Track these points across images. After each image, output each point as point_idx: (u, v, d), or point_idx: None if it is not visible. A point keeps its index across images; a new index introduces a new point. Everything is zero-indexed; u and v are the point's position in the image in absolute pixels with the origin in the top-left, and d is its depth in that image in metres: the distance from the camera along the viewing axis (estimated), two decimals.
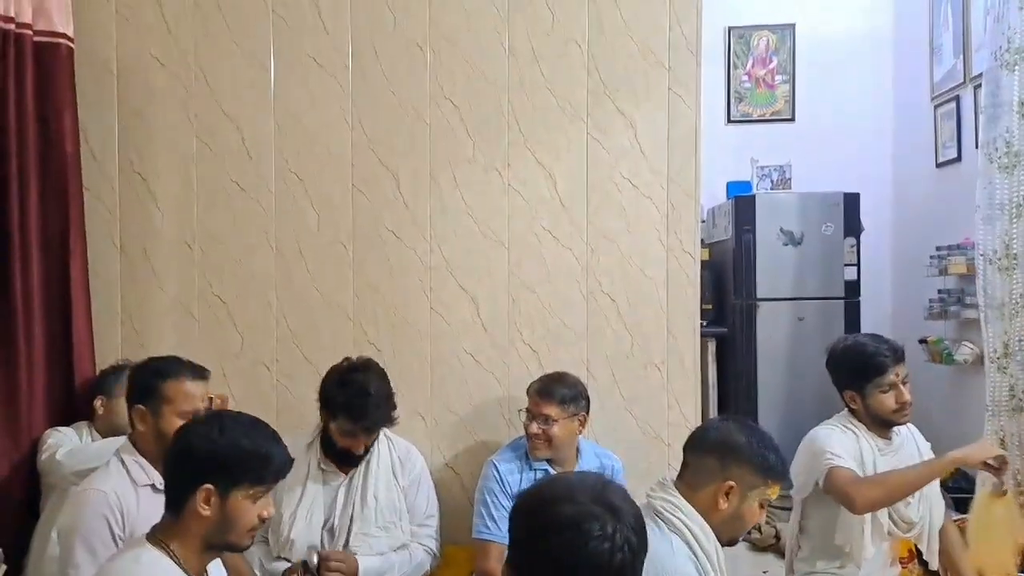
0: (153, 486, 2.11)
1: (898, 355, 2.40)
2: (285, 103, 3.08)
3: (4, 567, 1.89)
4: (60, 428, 2.74)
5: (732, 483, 1.72)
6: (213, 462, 1.62)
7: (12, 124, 2.73)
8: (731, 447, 1.76)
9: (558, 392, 2.71)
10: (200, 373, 2.26)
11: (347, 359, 2.67)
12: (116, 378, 2.73)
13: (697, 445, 1.83)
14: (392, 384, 2.98)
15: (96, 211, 3.01)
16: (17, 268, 2.74)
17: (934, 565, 2.57)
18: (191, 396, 2.19)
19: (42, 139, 2.83)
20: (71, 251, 2.85)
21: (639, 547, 1.20)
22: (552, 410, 2.68)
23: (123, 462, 2.14)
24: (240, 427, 1.67)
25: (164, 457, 2.05)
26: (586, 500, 1.20)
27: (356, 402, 2.51)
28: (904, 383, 2.39)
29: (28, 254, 2.78)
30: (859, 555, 2.36)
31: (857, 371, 2.41)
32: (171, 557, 1.63)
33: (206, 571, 1.73)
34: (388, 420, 2.61)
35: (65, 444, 2.64)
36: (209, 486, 1.62)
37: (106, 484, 2.07)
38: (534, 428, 2.69)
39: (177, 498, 1.65)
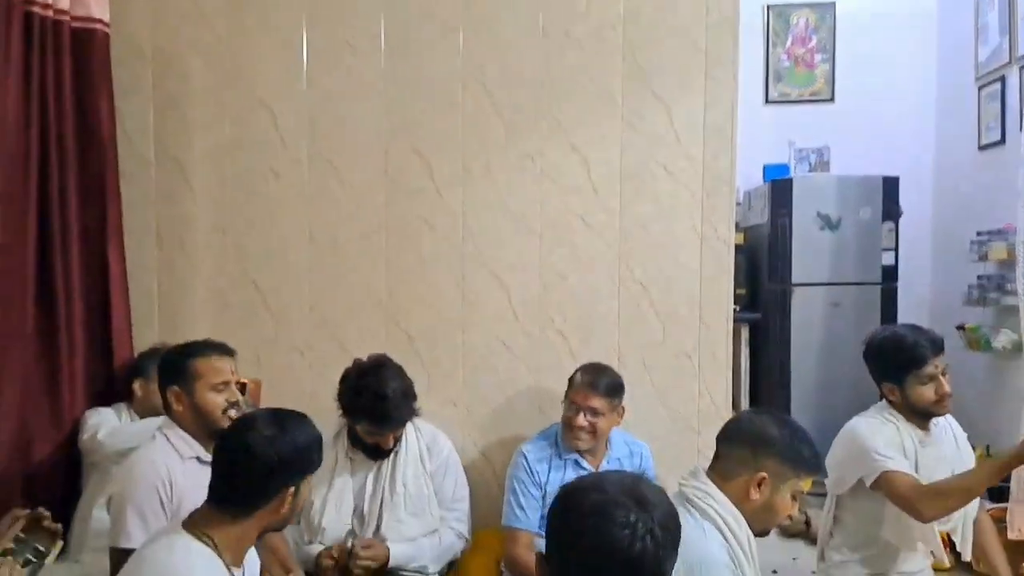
0: (198, 458, 2.17)
1: (937, 346, 2.37)
2: (318, 89, 3.08)
3: (61, 543, 1.96)
4: (100, 408, 2.80)
5: (764, 475, 1.73)
6: (294, 464, 1.72)
7: (51, 110, 2.77)
8: (764, 439, 1.76)
9: (605, 384, 2.69)
10: (225, 349, 2.32)
11: (357, 360, 2.67)
12: (154, 361, 2.75)
13: (731, 436, 1.84)
14: (424, 372, 3.02)
15: (133, 197, 3.04)
16: (57, 254, 2.79)
17: (967, 556, 2.54)
18: (220, 370, 2.25)
19: (80, 125, 2.87)
20: (109, 237, 2.90)
21: (665, 541, 1.21)
22: (600, 403, 2.67)
23: (167, 437, 2.21)
24: (300, 425, 1.77)
25: (207, 433, 2.12)
26: (614, 491, 1.22)
27: (375, 407, 2.53)
28: (944, 374, 2.36)
29: (68, 240, 2.82)
30: (932, 546, 2.35)
31: (896, 363, 2.38)
32: (207, 545, 1.66)
33: (243, 559, 1.76)
34: (410, 415, 2.62)
35: (106, 424, 2.70)
36: (292, 487, 1.73)
37: (155, 456, 2.14)
38: (581, 420, 2.67)
39: (252, 501, 1.70)
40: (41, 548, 1.88)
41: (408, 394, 2.59)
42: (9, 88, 2.59)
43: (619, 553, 1.16)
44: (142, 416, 2.77)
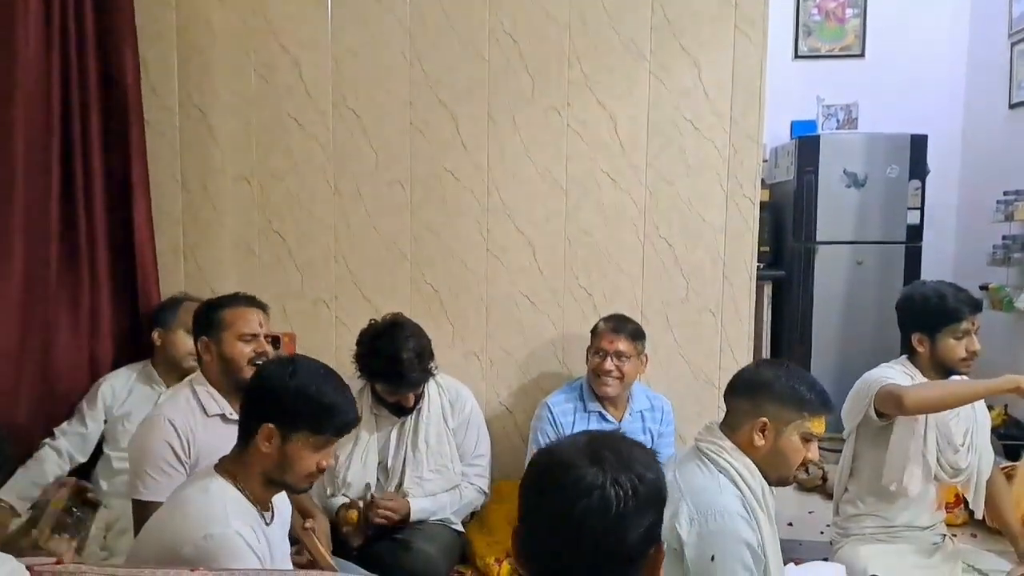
0: (223, 416, 2.20)
1: (976, 305, 2.40)
2: (342, 39, 3.04)
3: (101, 510, 2.03)
4: (110, 376, 2.78)
5: (765, 419, 1.76)
6: (278, 403, 1.68)
7: (73, 58, 2.75)
8: (760, 384, 1.80)
9: (629, 328, 2.75)
10: (255, 302, 2.34)
11: (372, 321, 2.68)
12: (172, 311, 2.80)
13: (733, 388, 1.88)
14: (448, 323, 3.05)
15: (158, 146, 3.04)
16: (81, 206, 2.79)
17: (980, 514, 2.58)
18: (248, 320, 2.26)
19: (103, 74, 2.85)
20: (134, 188, 2.89)
21: (628, 494, 1.08)
22: (626, 345, 2.71)
23: (195, 392, 2.23)
24: (311, 375, 1.71)
25: (233, 386, 2.16)
26: (566, 450, 1.15)
27: (390, 370, 2.55)
28: (976, 333, 2.38)
29: (91, 191, 2.83)
30: (904, 489, 2.36)
31: (933, 315, 2.39)
32: (237, 487, 1.71)
33: (271, 502, 1.80)
34: (426, 376, 2.64)
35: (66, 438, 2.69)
36: (271, 425, 1.67)
37: (174, 413, 2.17)
38: (608, 365, 2.70)
39: (245, 431, 1.72)
40: (84, 518, 1.93)
41: (423, 354, 2.60)
42: (30, 37, 2.56)
43: (568, 506, 1.08)
44: (162, 368, 2.79)
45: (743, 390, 1.83)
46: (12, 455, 1.77)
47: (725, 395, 1.89)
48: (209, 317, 2.28)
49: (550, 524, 1.10)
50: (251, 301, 2.34)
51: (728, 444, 1.78)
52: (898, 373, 2.41)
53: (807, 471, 2.06)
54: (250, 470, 1.71)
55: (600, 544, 1.07)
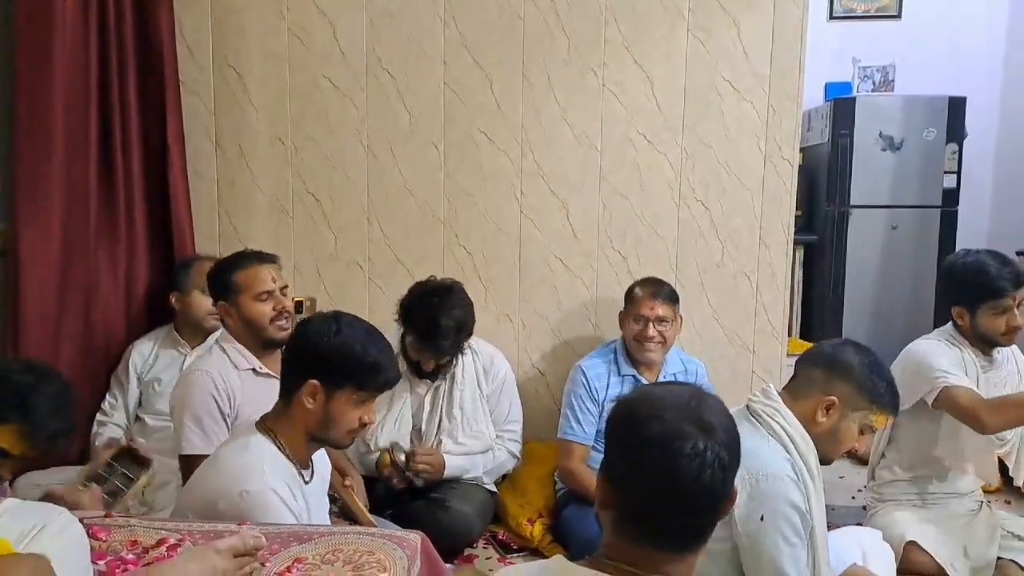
0: (254, 370, 2.23)
1: (1019, 280, 2.35)
2: None
3: (152, 471, 2.06)
4: (138, 343, 2.82)
5: (834, 398, 1.73)
6: (322, 359, 1.68)
7: (111, 20, 2.75)
8: (842, 364, 1.76)
9: (665, 291, 2.74)
10: (264, 257, 2.33)
11: (431, 278, 2.69)
12: (185, 273, 2.82)
13: (810, 357, 1.85)
14: (481, 286, 3.04)
15: (193, 107, 3.03)
16: (118, 163, 2.81)
17: (1019, 481, 2.55)
18: (261, 279, 2.26)
19: (139, 35, 2.85)
20: (170, 148, 2.89)
21: (730, 463, 1.18)
22: (665, 310, 2.70)
23: (224, 349, 2.25)
24: (355, 332, 1.71)
25: (260, 344, 2.19)
26: (675, 418, 1.16)
27: (426, 328, 2.56)
28: (1018, 307, 2.35)
29: (128, 149, 2.84)
30: (984, 472, 2.38)
31: (974, 289, 2.36)
32: (277, 445, 1.72)
33: (310, 460, 1.81)
34: (456, 349, 2.65)
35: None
36: (315, 382, 1.68)
37: (211, 366, 2.20)
38: (651, 331, 2.69)
39: (288, 388, 1.73)
40: (130, 475, 1.97)
41: (462, 328, 2.61)
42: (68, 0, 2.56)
43: (687, 482, 1.13)
44: (183, 331, 2.82)
45: (822, 363, 1.79)
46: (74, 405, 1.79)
47: (798, 362, 1.86)
48: (222, 281, 2.27)
49: (666, 487, 1.15)
50: (260, 257, 2.32)
51: (784, 408, 1.75)
52: (948, 349, 2.38)
53: (855, 450, 2.02)
54: (293, 427, 1.72)
55: (696, 501, 1.16)
